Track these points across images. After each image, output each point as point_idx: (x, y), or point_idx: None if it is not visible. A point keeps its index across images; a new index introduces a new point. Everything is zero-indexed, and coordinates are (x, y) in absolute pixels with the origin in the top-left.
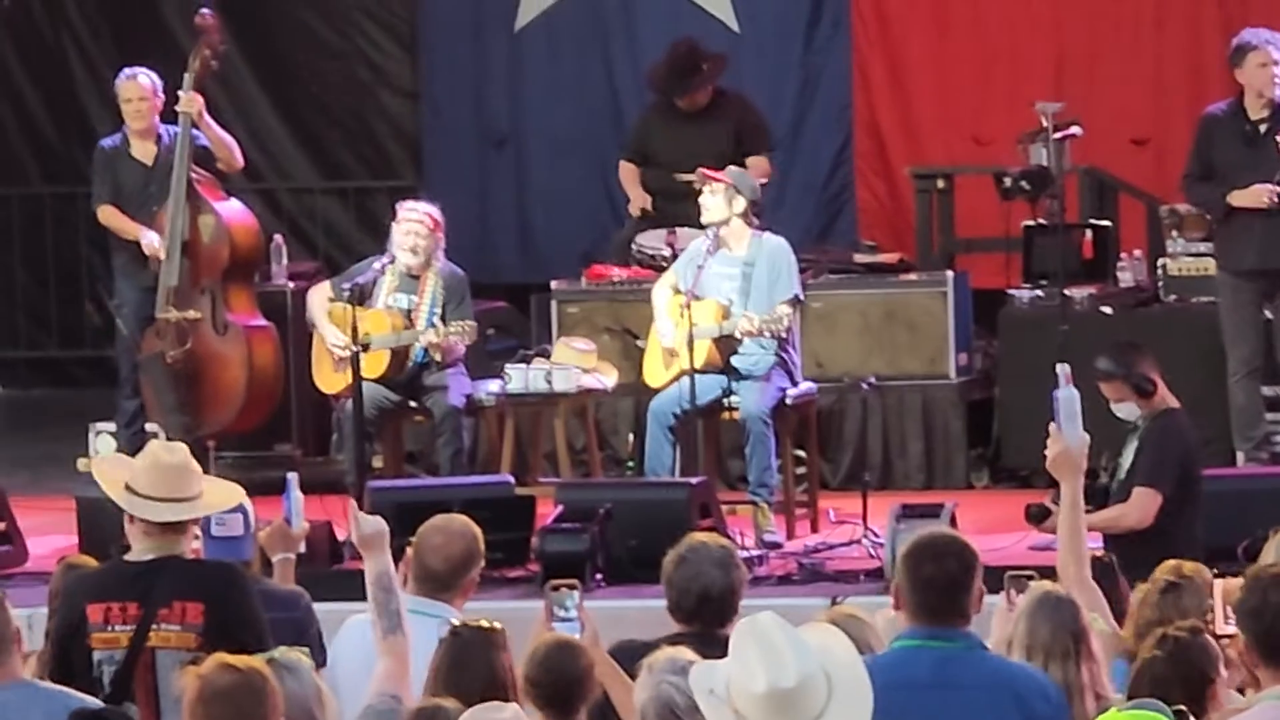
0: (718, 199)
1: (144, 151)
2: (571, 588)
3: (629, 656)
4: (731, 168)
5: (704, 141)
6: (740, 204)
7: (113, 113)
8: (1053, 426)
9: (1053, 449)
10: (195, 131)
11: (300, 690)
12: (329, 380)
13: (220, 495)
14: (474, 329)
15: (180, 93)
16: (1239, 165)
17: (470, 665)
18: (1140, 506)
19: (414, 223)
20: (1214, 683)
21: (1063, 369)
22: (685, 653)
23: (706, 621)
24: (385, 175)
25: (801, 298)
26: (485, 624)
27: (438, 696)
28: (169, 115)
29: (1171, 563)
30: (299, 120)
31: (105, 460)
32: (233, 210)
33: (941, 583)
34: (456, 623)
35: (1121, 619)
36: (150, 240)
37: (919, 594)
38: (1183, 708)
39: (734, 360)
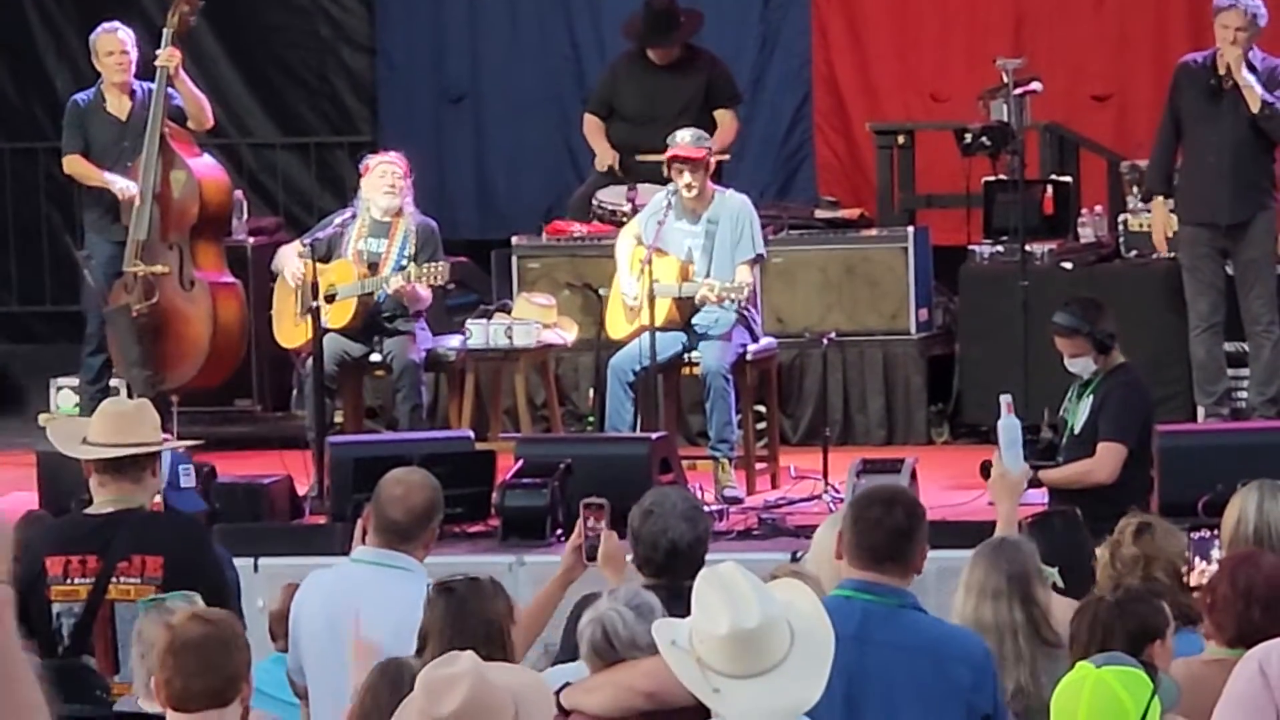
0: (700, 173)
1: (119, 106)
2: (600, 506)
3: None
4: (693, 135)
5: (673, 95)
6: (711, 165)
7: (71, 69)
8: (995, 456)
9: (995, 473)
10: (170, 89)
11: None
12: (288, 334)
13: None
14: (445, 269)
15: (159, 50)
16: (1199, 118)
17: (469, 619)
18: (1108, 461)
19: (387, 164)
20: (1155, 642)
21: (1005, 399)
22: (646, 593)
23: (675, 574)
24: (345, 131)
25: (764, 256)
26: (475, 576)
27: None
28: (142, 71)
29: (1130, 514)
30: (259, 76)
31: (63, 419)
32: (204, 166)
33: (885, 528)
34: (443, 579)
35: (1087, 570)
36: (124, 185)
37: (861, 537)
38: (1146, 661)
39: (694, 319)
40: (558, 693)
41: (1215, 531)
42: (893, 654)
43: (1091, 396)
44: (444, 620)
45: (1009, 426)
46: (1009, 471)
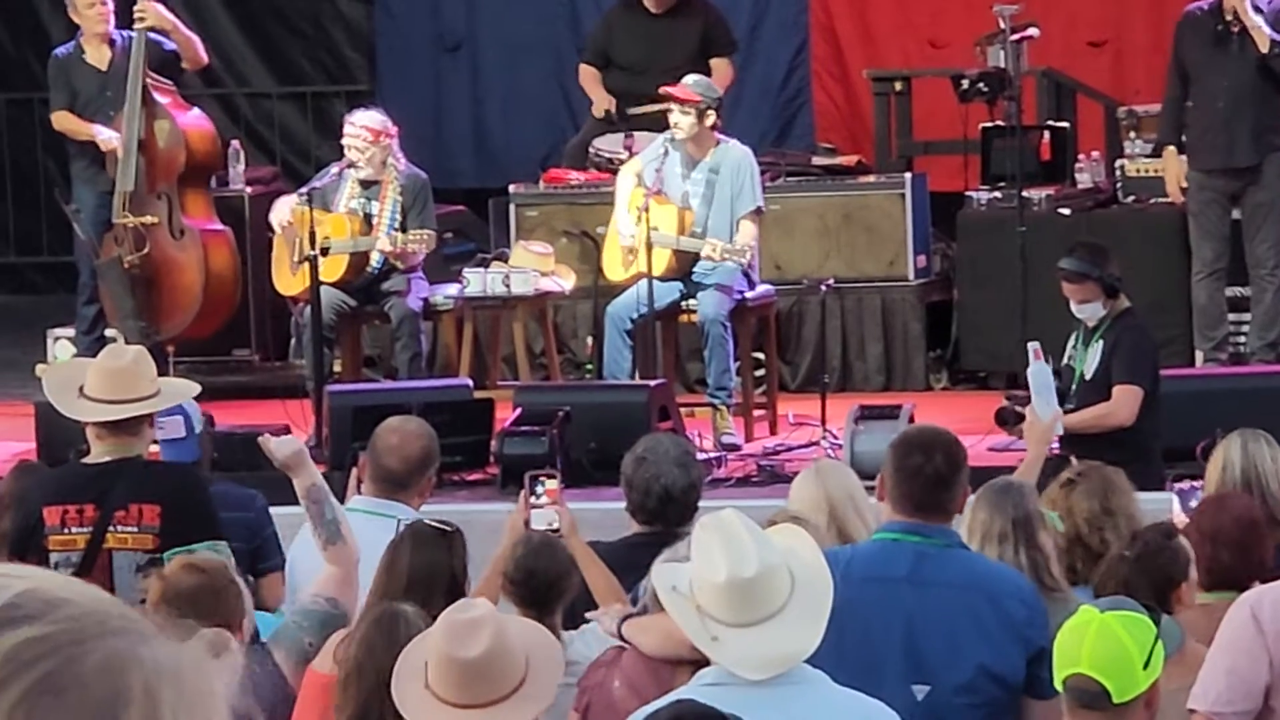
0: (690, 117)
1: (99, 57)
2: (550, 476)
3: None
4: (695, 79)
5: (670, 43)
6: (711, 117)
7: (66, 19)
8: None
9: (1027, 419)
10: (161, 36)
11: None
12: (287, 282)
13: (173, 390)
14: (433, 238)
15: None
16: (1206, 65)
17: (401, 568)
18: (1127, 404)
19: (351, 137)
20: (1179, 586)
21: (1033, 346)
22: None
23: (668, 521)
24: (342, 80)
25: (764, 209)
26: (442, 526)
27: (389, 595)
28: (122, 21)
29: (1081, 464)
30: (256, 25)
31: (60, 365)
32: (188, 115)
33: (927, 475)
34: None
35: None
36: (107, 136)
37: (904, 485)
38: (1152, 604)
39: (694, 268)
40: (620, 622)
41: (1196, 482)
42: (948, 593)
43: (1101, 341)
44: (383, 562)
45: (1039, 373)
46: (1040, 419)
